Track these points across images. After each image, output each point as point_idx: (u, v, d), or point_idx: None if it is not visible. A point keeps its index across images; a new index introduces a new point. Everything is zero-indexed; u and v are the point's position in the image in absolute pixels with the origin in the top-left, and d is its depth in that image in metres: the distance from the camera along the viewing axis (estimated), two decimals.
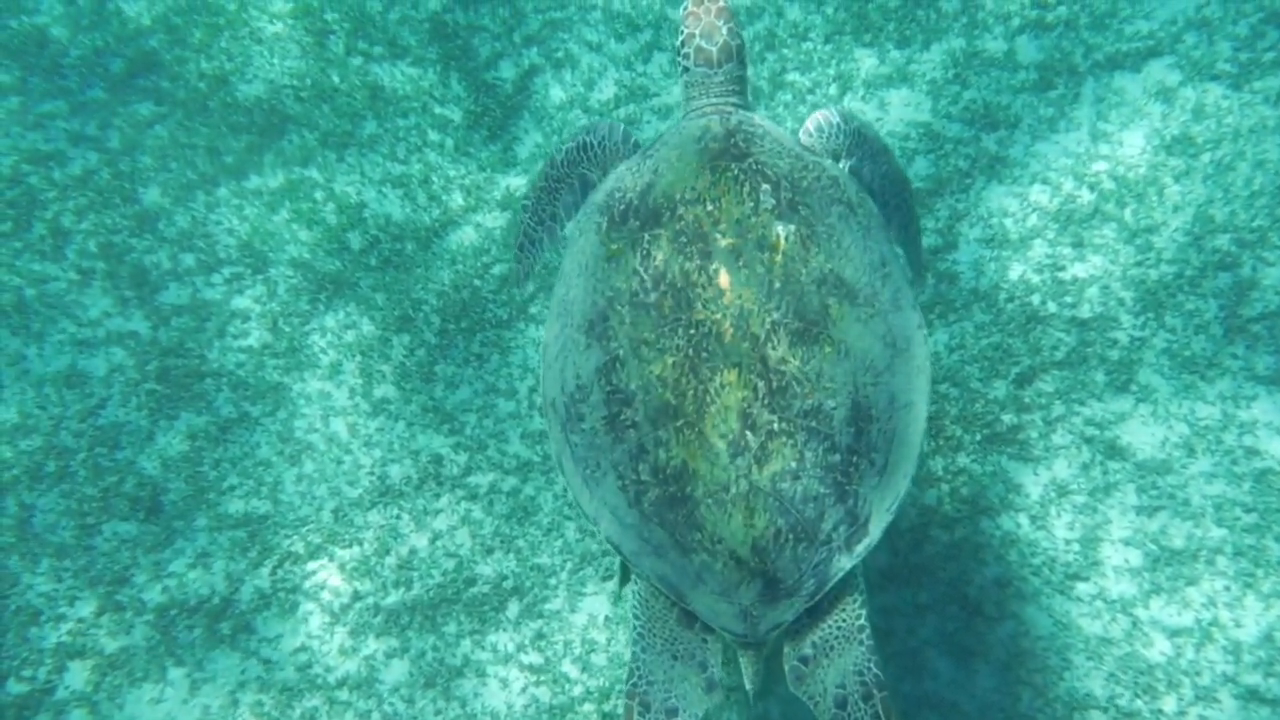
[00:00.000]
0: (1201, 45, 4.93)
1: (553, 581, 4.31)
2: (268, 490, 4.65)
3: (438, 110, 5.57)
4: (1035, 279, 4.63)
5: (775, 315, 2.43)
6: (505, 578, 4.33)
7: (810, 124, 2.99)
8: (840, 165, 2.95)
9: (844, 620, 2.60)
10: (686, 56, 3.01)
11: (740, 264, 2.46)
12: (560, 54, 5.60)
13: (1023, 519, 4.18)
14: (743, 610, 2.49)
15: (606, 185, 2.86)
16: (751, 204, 2.52)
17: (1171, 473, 4.16)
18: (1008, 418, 4.37)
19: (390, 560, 4.43)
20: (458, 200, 5.32)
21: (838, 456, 2.45)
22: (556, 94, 5.50)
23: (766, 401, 2.40)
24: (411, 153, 5.46)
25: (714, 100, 2.98)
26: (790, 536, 2.44)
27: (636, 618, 2.67)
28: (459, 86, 5.61)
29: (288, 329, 5.03)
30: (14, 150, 5.48)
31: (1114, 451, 4.24)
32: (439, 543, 4.46)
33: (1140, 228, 4.65)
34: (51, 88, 5.69)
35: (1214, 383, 4.28)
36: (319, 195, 5.34)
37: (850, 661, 2.58)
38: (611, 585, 4.27)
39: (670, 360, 2.44)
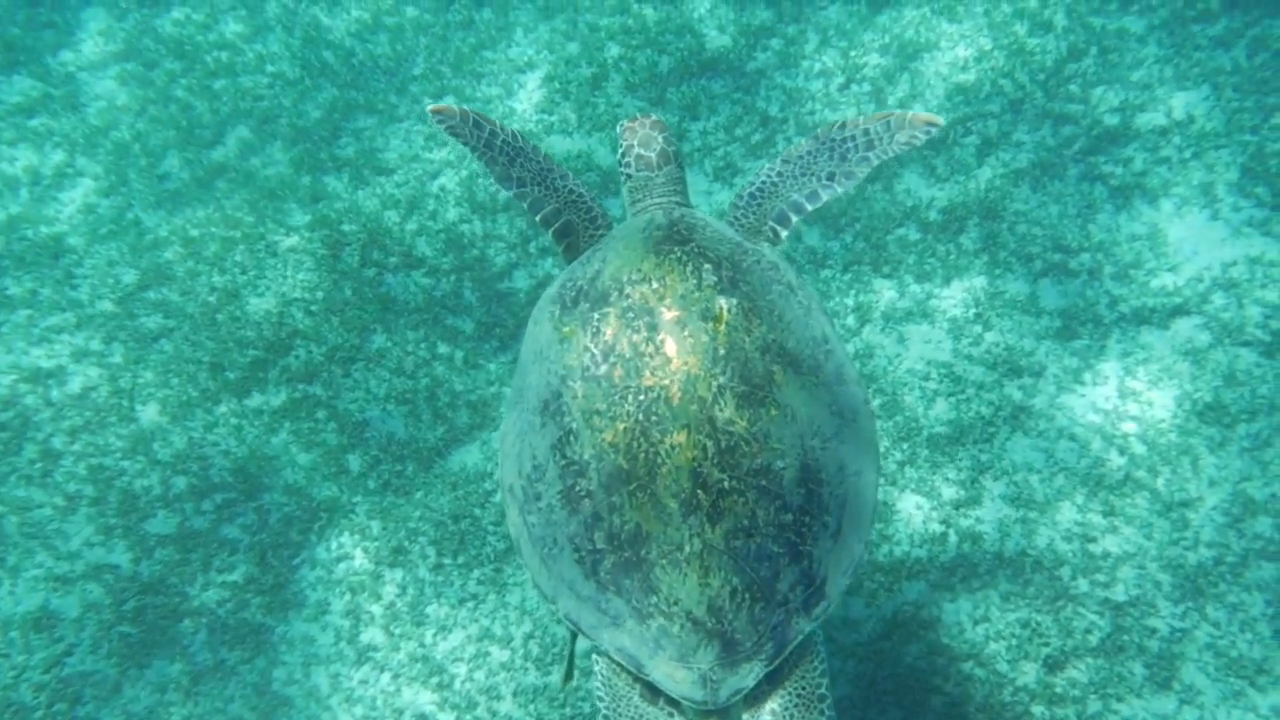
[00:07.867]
0: (1230, 307, 4.78)
1: None
2: None
3: (449, 321, 5.50)
4: (1064, 548, 4.36)
5: (721, 379, 2.49)
6: None
7: (731, 214, 3.12)
8: (776, 222, 3.08)
9: (804, 688, 2.60)
10: (628, 165, 3.18)
11: (686, 334, 2.54)
12: None
13: None
14: (702, 676, 2.49)
15: (560, 280, 2.95)
16: (695, 280, 2.62)
17: None
18: (1038, 710, 4.03)
19: None
20: (464, 418, 5.18)
21: (790, 516, 2.48)
22: None
23: (716, 460, 2.44)
24: (420, 366, 5.35)
25: (657, 199, 3.13)
26: (746, 596, 2.46)
27: (600, 699, 2.66)
28: (472, 296, 5.55)
29: (275, 563, 4.80)
30: (14, 369, 5.40)
31: None
32: None
33: (1175, 500, 4.39)
34: (61, 300, 5.67)
35: (1266, 692, 3.94)
36: (321, 414, 5.20)
37: None
38: None
39: (622, 426, 2.49)
